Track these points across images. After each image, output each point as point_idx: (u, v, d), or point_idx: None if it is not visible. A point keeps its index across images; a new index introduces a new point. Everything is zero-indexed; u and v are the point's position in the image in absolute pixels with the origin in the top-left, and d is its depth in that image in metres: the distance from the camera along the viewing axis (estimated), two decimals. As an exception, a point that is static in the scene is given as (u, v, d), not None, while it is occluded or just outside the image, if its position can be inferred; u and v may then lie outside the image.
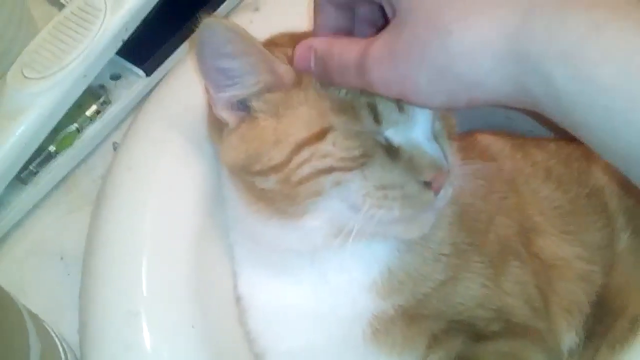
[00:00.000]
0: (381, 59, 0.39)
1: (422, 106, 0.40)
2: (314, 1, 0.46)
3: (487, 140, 0.63)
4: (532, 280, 0.54)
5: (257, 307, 0.55)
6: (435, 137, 0.47)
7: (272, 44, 0.51)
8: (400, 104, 0.45)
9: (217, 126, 0.50)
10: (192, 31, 0.45)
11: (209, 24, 0.43)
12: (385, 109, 0.45)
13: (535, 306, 0.54)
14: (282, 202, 0.46)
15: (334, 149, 0.44)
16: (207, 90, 0.49)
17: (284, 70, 0.46)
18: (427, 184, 0.45)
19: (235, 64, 0.45)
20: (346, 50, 0.42)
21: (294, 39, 0.50)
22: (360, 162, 0.44)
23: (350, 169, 0.44)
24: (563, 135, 0.62)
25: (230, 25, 0.44)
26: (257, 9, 0.69)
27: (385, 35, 0.39)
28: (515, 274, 0.54)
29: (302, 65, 0.45)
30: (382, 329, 0.51)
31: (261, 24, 0.63)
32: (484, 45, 0.35)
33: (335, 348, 0.52)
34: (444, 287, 0.52)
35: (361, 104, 0.44)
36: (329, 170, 0.44)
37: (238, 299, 0.56)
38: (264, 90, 0.46)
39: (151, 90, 0.67)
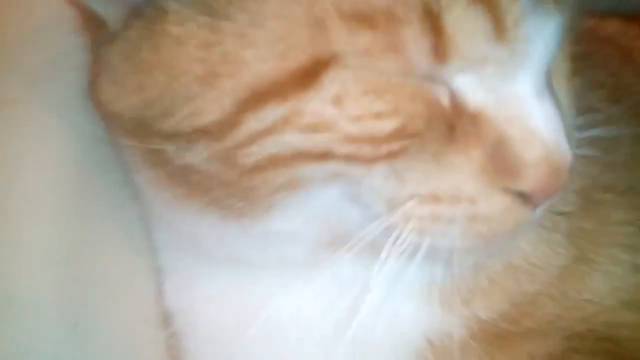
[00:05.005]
0: None
1: None
2: None
3: (612, 27, 0.51)
4: None
5: (205, 325, 0.41)
6: (550, 85, 0.31)
7: None
8: (501, 19, 0.27)
9: (91, 28, 0.35)
10: None
11: None
12: (466, 23, 0.27)
13: None
14: (224, 193, 0.33)
15: (336, 112, 0.29)
16: None
17: None
18: (524, 196, 0.31)
19: None
20: None
21: None
22: (394, 148, 0.29)
23: (369, 162, 0.29)
24: None
25: None
26: None
27: None
28: None
29: None
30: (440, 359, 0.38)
31: None
32: None
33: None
34: (563, 276, 0.37)
35: (409, 9, 0.28)
36: (323, 156, 0.29)
37: (165, 318, 0.43)
38: None
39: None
